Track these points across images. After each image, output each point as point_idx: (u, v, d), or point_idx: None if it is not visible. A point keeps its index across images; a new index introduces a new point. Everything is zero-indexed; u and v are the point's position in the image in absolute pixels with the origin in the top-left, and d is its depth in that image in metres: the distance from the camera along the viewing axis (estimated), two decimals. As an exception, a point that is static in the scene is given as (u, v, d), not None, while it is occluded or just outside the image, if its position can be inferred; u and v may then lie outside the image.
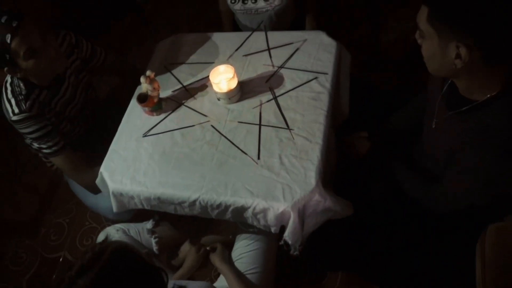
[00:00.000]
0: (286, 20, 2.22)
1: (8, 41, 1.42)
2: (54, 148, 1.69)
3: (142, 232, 1.84)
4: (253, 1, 2.07)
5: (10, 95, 1.60)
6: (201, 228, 1.92)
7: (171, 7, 3.60)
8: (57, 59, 1.59)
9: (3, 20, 1.41)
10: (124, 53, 3.27)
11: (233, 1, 2.11)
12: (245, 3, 2.09)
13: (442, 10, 1.08)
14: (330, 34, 1.86)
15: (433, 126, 1.38)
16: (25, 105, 1.59)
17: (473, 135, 1.17)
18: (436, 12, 1.08)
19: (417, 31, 1.18)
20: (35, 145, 1.69)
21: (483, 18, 1.02)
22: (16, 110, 1.58)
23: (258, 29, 1.98)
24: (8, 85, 1.62)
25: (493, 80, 1.14)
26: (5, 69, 1.53)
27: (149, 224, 1.85)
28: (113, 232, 1.80)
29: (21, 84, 1.60)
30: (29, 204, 2.59)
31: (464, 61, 1.08)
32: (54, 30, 1.70)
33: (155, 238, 1.81)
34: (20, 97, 1.59)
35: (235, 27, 2.37)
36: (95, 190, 1.76)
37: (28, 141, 1.72)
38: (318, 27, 2.19)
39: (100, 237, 1.84)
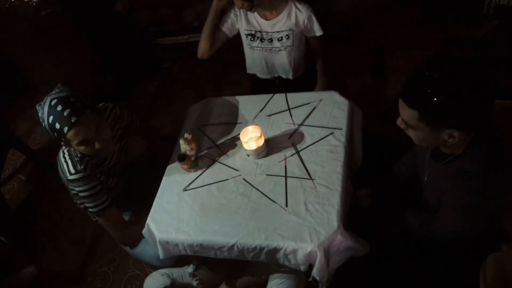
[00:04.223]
0: (299, 63, 2.45)
1: (65, 132, 1.63)
2: (100, 207, 1.82)
3: (184, 276, 1.97)
4: (269, 40, 2.32)
5: (67, 157, 1.80)
6: (237, 269, 2.02)
7: (195, 70, 3.88)
8: (106, 147, 1.78)
9: (65, 114, 1.60)
10: (154, 112, 3.53)
11: (252, 39, 2.35)
12: (263, 42, 2.34)
13: (434, 112, 1.28)
14: (342, 92, 2.07)
15: (425, 179, 1.62)
16: (80, 166, 1.78)
17: (453, 179, 1.41)
18: (428, 113, 1.29)
19: (402, 123, 1.40)
20: (84, 204, 1.85)
21: (468, 113, 1.26)
22: (72, 171, 1.77)
23: (278, 92, 2.20)
24: (65, 150, 1.82)
25: (466, 140, 1.39)
26: (62, 143, 1.77)
27: (190, 268, 1.98)
28: (159, 277, 1.94)
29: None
30: (75, 255, 2.76)
31: (458, 139, 1.32)
32: (103, 107, 1.93)
33: (196, 280, 1.94)
34: (76, 159, 1.79)
35: (254, 87, 2.62)
36: (133, 245, 1.96)
37: (78, 200, 1.89)
38: (328, 85, 2.43)
39: (147, 282, 1.95)
